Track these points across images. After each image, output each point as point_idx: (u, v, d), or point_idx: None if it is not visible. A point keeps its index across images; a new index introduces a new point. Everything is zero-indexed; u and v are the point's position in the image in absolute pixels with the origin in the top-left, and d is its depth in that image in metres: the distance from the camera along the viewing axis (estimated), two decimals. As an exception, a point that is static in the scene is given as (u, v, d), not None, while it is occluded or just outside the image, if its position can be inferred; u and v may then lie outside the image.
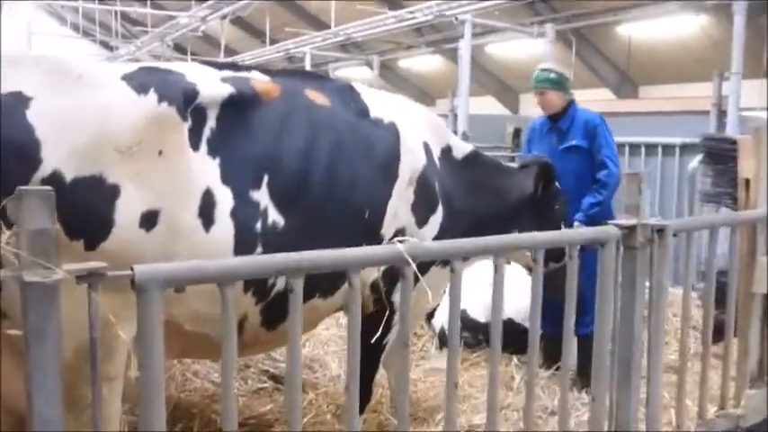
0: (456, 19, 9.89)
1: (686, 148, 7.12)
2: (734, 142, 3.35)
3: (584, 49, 17.33)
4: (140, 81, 2.36)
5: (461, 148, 3.53)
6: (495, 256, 2.18)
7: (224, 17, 15.56)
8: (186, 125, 2.41)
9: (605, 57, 17.95)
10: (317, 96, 2.89)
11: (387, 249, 1.93)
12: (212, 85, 2.55)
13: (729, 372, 3.23)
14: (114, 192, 2.19)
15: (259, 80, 2.75)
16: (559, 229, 3.73)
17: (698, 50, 15.87)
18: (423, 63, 21.12)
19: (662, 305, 2.74)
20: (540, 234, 2.43)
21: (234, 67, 2.82)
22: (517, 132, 10.81)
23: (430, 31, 18.68)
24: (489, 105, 20.00)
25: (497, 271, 2.20)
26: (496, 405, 2.33)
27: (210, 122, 2.50)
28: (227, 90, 2.56)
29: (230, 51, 20.91)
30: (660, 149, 7.38)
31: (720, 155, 3.38)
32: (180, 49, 23.80)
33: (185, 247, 2.33)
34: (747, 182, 3.32)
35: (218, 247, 2.41)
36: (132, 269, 1.57)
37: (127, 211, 2.20)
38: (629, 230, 2.56)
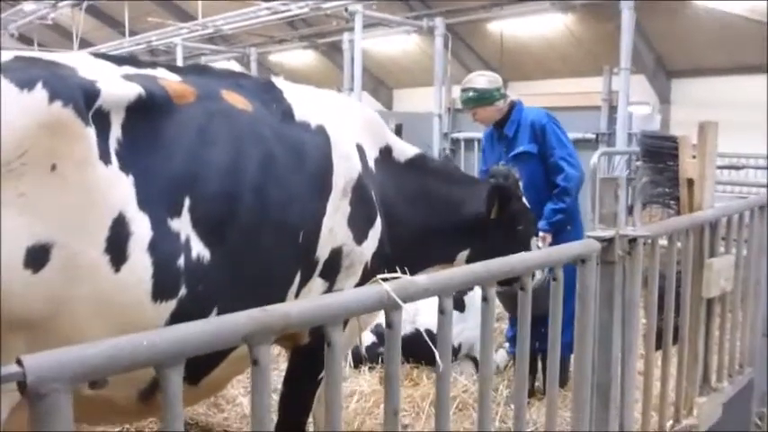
0: (346, 11, 9.41)
1: (579, 143, 7.21)
2: (675, 140, 3.20)
3: (458, 46, 17.53)
4: (22, 73, 1.75)
5: (404, 151, 3.08)
6: (485, 287, 1.80)
7: (77, 4, 14.08)
8: (91, 132, 1.83)
9: (477, 53, 18.29)
10: (235, 98, 2.38)
11: (372, 292, 1.48)
12: (115, 84, 1.97)
13: (683, 381, 3.08)
14: None
15: (169, 80, 2.20)
16: (527, 249, 3.30)
17: (563, 48, 16.59)
18: (295, 58, 20.51)
19: (635, 324, 2.50)
20: (528, 255, 2.08)
21: (135, 62, 2.24)
22: (398, 128, 10.73)
23: (302, 25, 18.11)
24: (364, 101, 19.77)
25: (487, 301, 1.82)
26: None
27: (115, 131, 1.94)
28: (133, 90, 1.99)
29: (85, 43, 19.11)
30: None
31: (661, 153, 3.22)
32: (25, 39, 21.49)
33: (87, 291, 1.80)
34: (690, 182, 3.18)
35: (131, 292, 1.88)
36: (21, 363, 1.01)
37: (6, 247, 1.66)
38: (608, 243, 2.28)
